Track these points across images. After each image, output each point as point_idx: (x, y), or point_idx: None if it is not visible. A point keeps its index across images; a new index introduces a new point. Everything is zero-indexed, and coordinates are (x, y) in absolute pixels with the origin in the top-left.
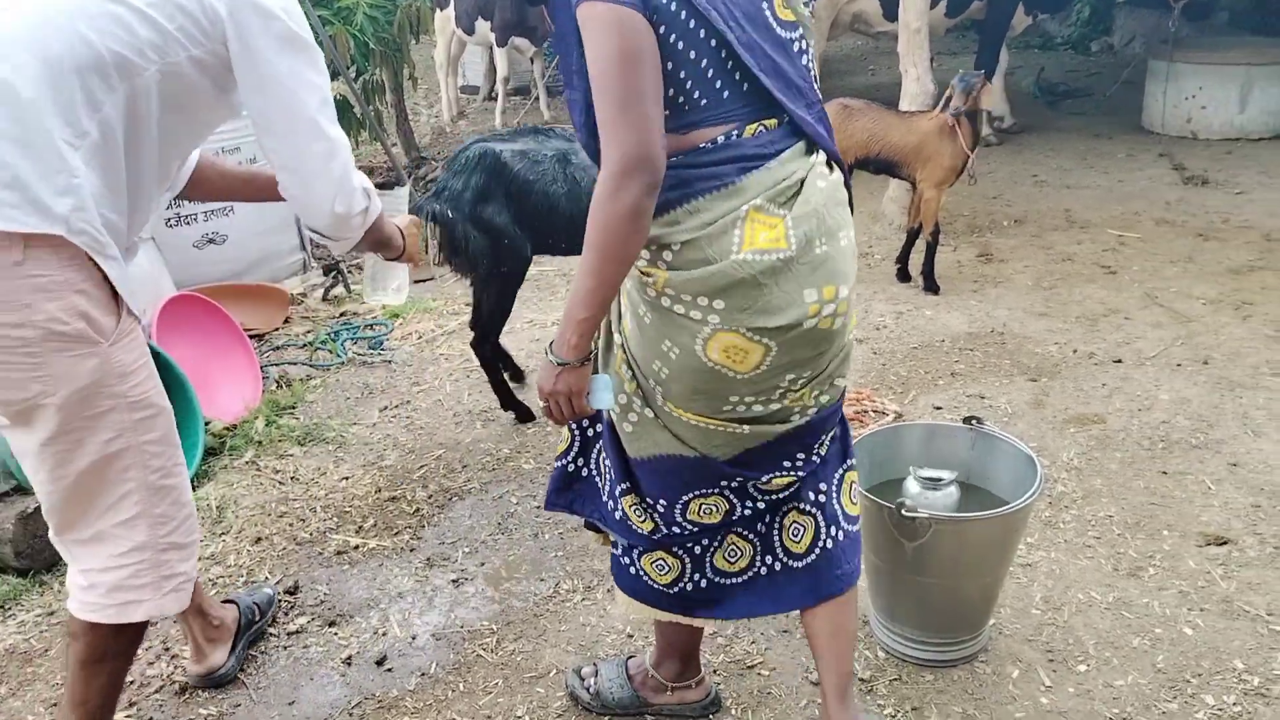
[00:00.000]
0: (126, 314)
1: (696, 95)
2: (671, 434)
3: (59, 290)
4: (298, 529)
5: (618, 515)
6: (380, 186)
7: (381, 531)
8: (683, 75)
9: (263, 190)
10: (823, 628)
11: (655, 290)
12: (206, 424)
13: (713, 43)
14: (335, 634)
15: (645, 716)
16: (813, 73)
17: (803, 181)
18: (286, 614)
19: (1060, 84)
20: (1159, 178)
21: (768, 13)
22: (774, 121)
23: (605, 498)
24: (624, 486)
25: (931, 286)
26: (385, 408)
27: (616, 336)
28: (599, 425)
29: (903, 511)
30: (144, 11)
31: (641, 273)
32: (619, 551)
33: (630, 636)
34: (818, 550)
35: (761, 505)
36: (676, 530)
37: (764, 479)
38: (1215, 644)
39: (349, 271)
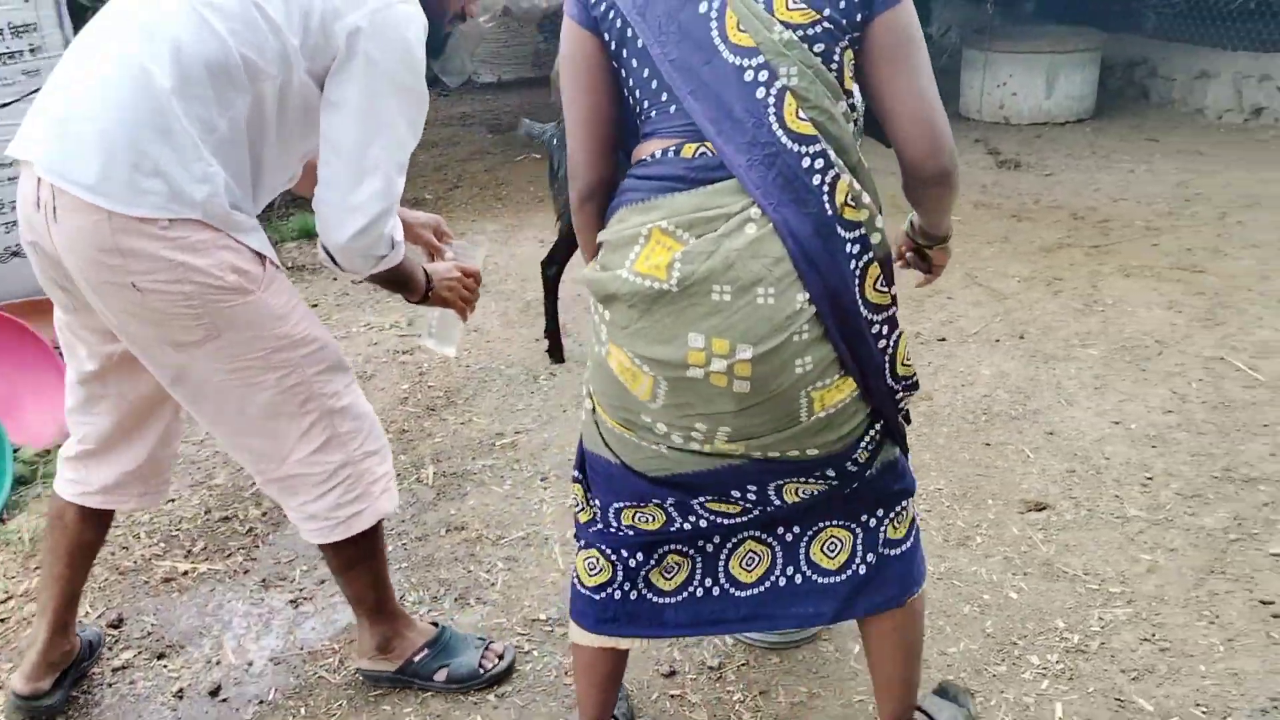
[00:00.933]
0: (270, 264)
1: (646, 106)
2: (603, 440)
3: (207, 248)
4: (120, 558)
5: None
6: None
7: (212, 555)
8: (632, 84)
9: (405, 280)
10: (869, 639)
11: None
12: (15, 450)
13: (652, 55)
14: (165, 666)
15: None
16: (775, 109)
17: (729, 218)
18: (111, 649)
19: None
20: (975, 162)
21: (715, 34)
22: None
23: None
24: (575, 474)
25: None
26: None
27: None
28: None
29: None
30: (276, 23)
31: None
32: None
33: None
34: (767, 584)
35: (704, 524)
36: (613, 530)
37: (701, 500)
38: (1039, 606)
39: None
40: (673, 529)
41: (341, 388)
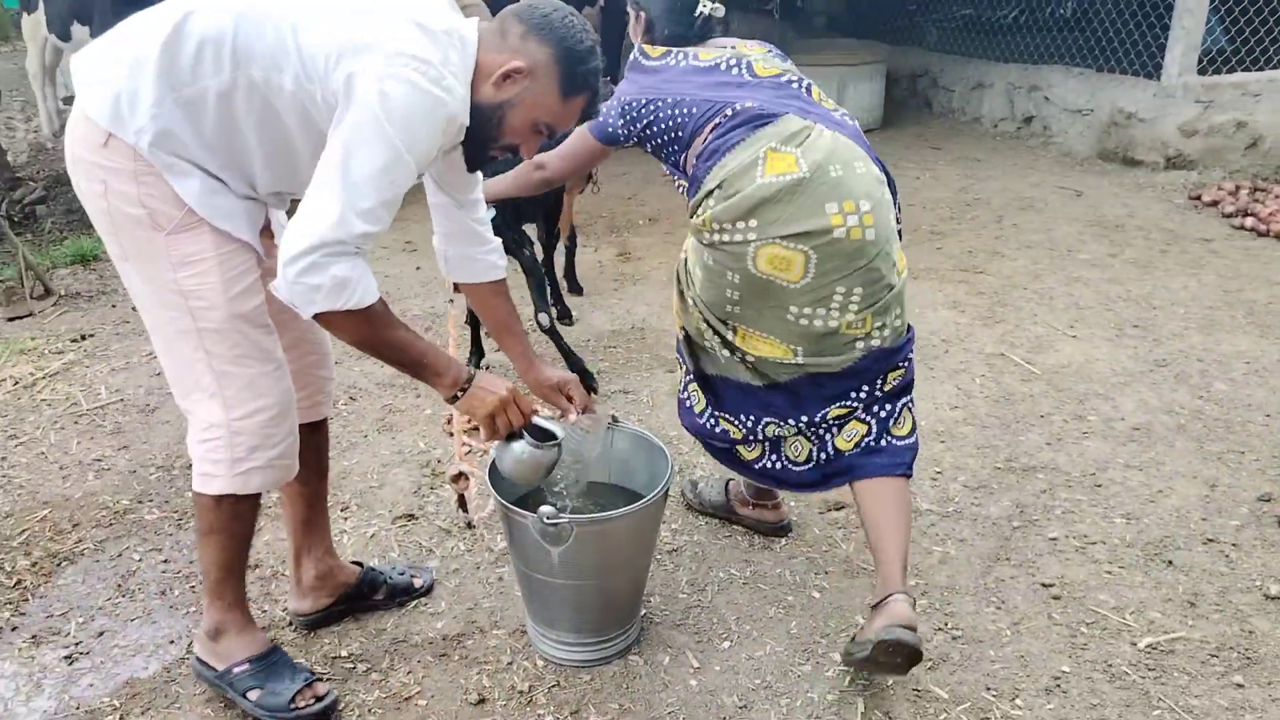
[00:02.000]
0: (194, 216)
1: (696, 124)
2: (745, 367)
3: (126, 178)
4: None
5: (718, 429)
6: None
7: None
8: (667, 131)
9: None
10: (873, 504)
11: (707, 231)
12: None
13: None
14: None
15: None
16: (804, 86)
17: (809, 131)
18: None
19: None
20: None
21: (741, 74)
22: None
23: (704, 417)
24: (714, 408)
25: (575, 288)
26: None
27: (689, 302)
28: (687, 365)
29: (545, 519)
30: (289, 41)
31: (697, 227)
32: (730, 455)
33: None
34: (863, 446)
35: (819, 421)
36: (757, 437)
37: (819, 414)
38: (840, 604)
39: None
40: (796, 430)
41: (235, 354)
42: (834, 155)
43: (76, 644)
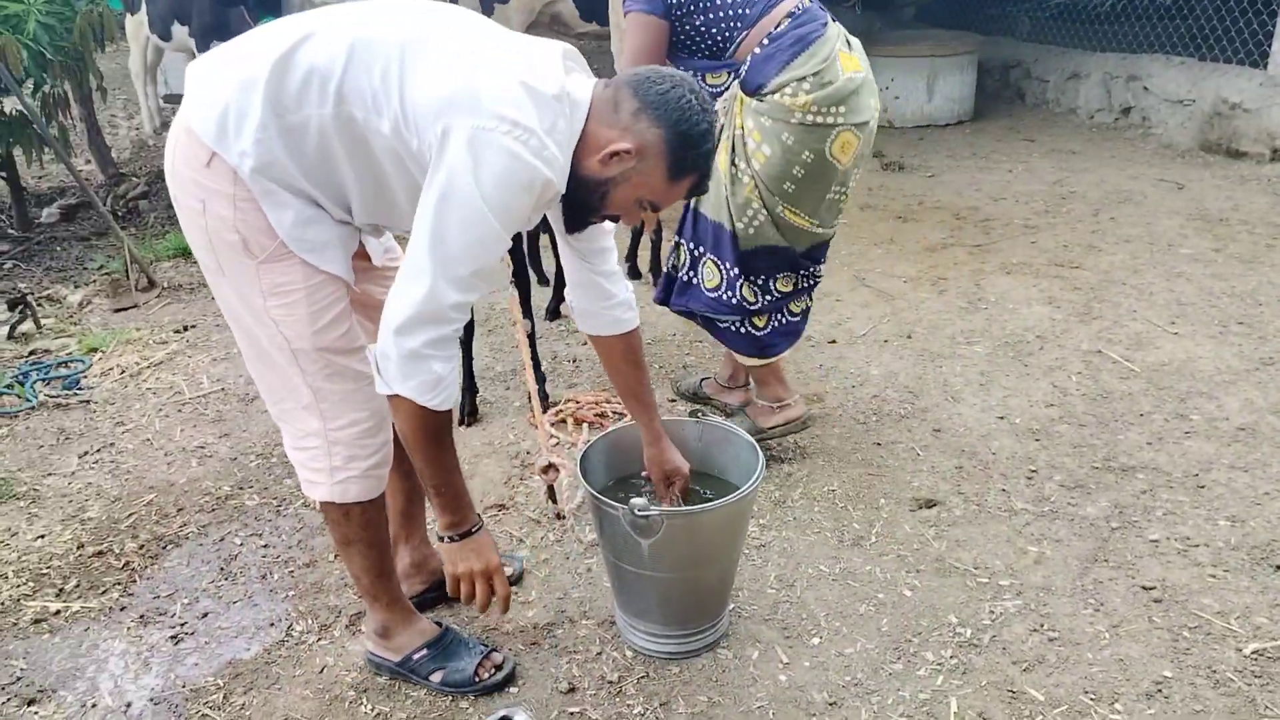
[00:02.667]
0: (281, 245)
1: (738, 10)
2: (779, 232)
3: (224, 201)
4: None
5: (734, 300)
6: (73, 208)
7: (86, 592)
8: (714, 12)
9: None
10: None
11: (800, 112)
12: None
13: None
14: (36, 713)
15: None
16: None
17: (847, 36)
18: None
19: None
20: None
21: None
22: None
23: (719, 292)
24: (741, 278)
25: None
26: (85, 453)
27: (744, 175)
28: (704, 246)
29: (636, 511)
30: (390, 84)
31: (787, 107)
32: (746, 328)
33: (363, 675)
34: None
35: (808, 282)
36: (769, 299)
37: (816, 267)
38: (932, 602)
39: (38, 305)
40: (799, 288)
41: (327, 373)
42: (864, 56)
43: (182, 624)
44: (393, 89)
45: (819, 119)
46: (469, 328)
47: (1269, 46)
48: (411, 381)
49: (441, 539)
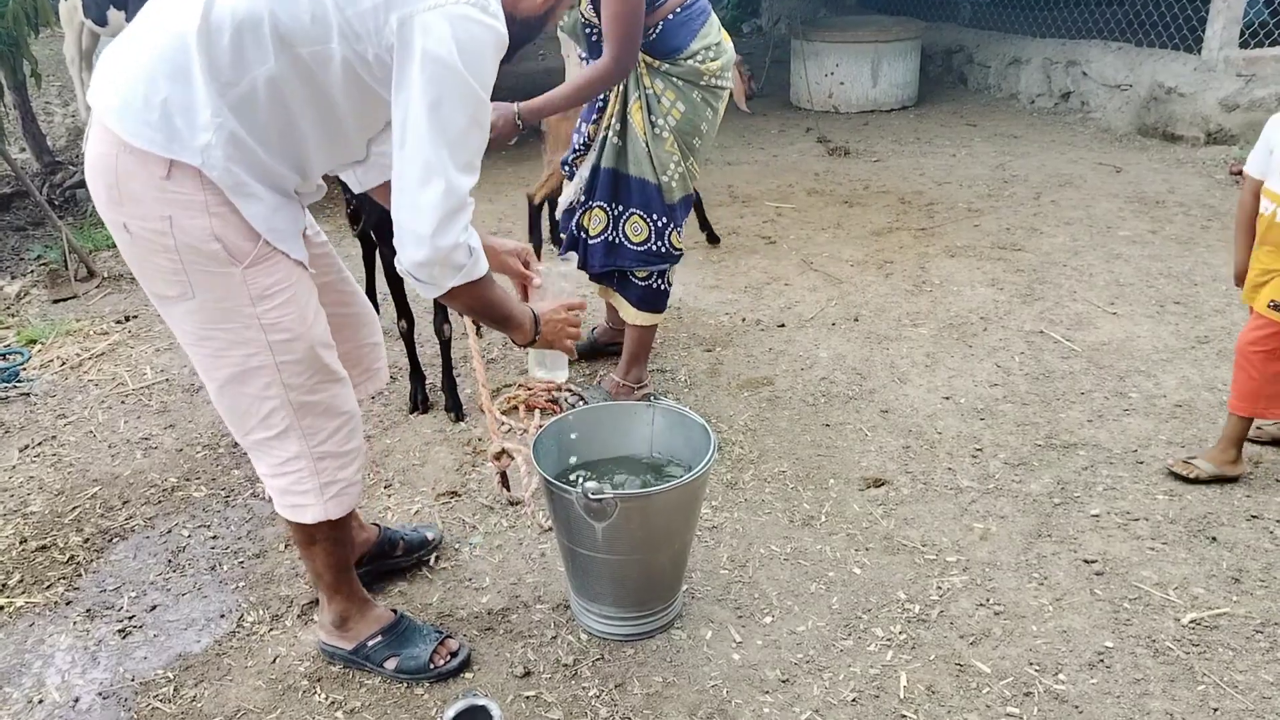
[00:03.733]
0: (265, 244)
1: None
2: (690, 183)
3: (197, 210)
4: None
5: (664, 249)
6: (8, 198)
7: (30, 587)
8: None
9: (504, 321)
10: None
11: (709, 76)
12: None
13: None
14: None
15: None
16: None
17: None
18: None
19: None
20: (808, 150)
21: None
22: None
23: (648, 244)
24: (670, 226)
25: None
26: (26, 447)
27: (663, 131)
28: (626, 204)
29: (589, 495)
30: (327, 3)
31: (700, 71)
32: (660, 284)
33: (321, 665)
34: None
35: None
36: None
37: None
38: (881, 579)
39: None
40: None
41: (313, 382)
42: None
43: (130, 618)
44: (327, 9)
45: (719, 83)
46: (410, 319)
47: (1203, 32)
48: (460, 272)
49: (533, 342)
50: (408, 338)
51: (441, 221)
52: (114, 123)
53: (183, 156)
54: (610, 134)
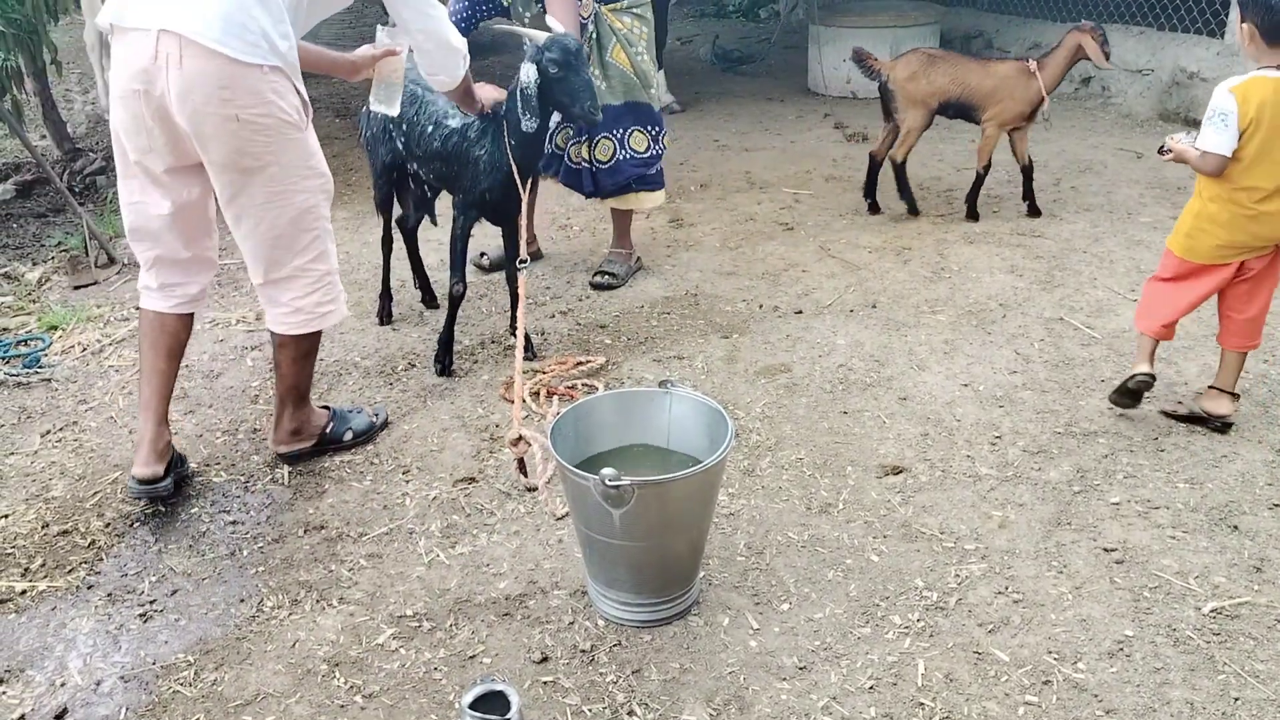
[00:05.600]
0: (307, 110)
1: None
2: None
3: (286, 93)
4: None
5: (660, 150)
6: (29, 184)
7: (52, 571)
8: None
9: (336, 66)
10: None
11: (645, 4)
12: None
13: None
14: (4, 693)
15: None
16: None
17: None
18: None
19: (734, 50)
20: (826, 137)
21: None
22: None
23: (649, 150)
24: (660, 130)
25: (973, 214)
26: (48, 432)
27: (642, 55)
28: (622, 126)
29: (607, 482)
30: None
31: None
32: (656, 170)
33: (338, 645)
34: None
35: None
36: None
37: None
38: (898, 567)
39: None
40: None
41: (329, 215)
42: None
43: (151, 602)
44: None
45: (648, 13)
46: (465, 284)
47: (1225, 15)
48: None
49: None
50: (456, 301)
51: (460, 40)
52: (224, 48)
53: (277, 61)
54: (596, 81)
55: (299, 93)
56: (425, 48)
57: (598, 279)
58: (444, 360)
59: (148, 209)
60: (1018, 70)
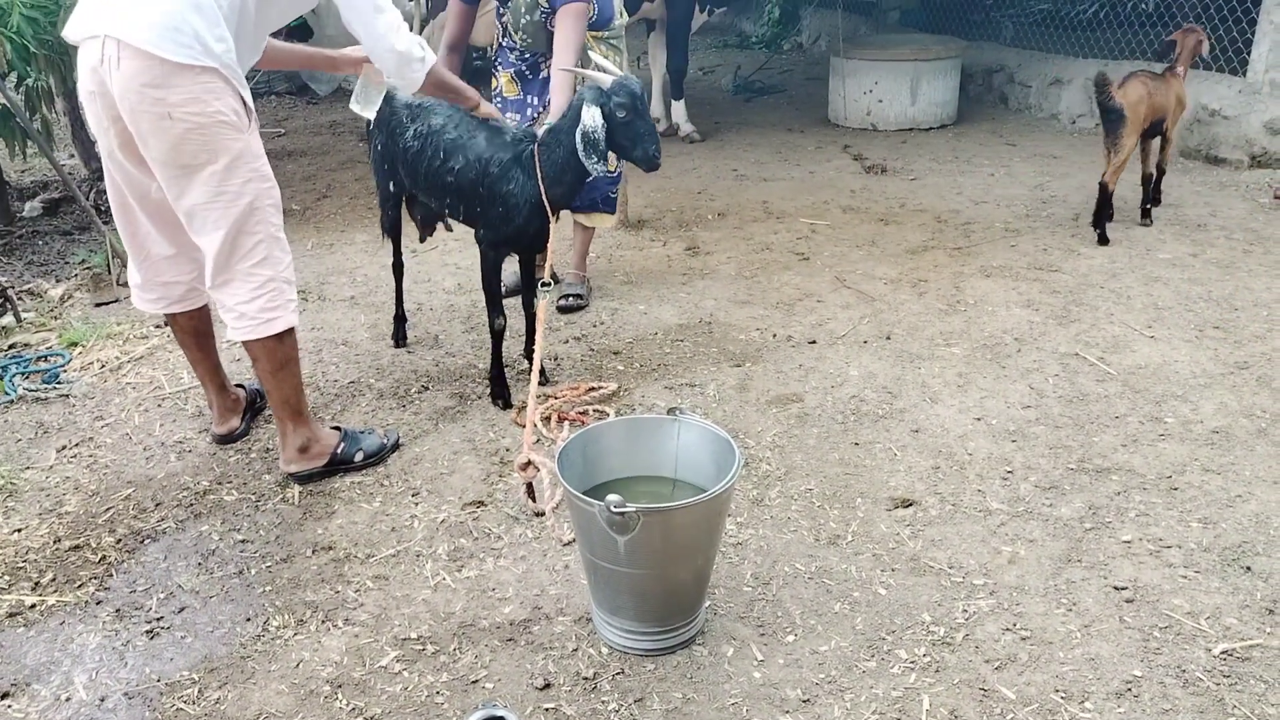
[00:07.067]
0: (249, 113)
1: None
2: None
3: (223, 94)
4: None
5: (619, 171)
6: (56, 202)
7: (62, 586)
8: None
9: (312, 60)
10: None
11: (620, 29)
12: None
13: None
14: (9, 707)
15: None
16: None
17: None
18: None
19: (756, 81)
20: (844, 168)
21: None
22: None
23: (618, 168)
24: None
25: (1154, 203)
26: (64, 447)
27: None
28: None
29: (612, 508)
30: None
31: (619, 27)
32: (616, 191)
33: (338, 666)
34: None
35: None
36: None
37: None
38: (906, 601)
39: (19, 299)
40: None
41: (280, 223)
42: None
43: (158, 619)
44: None
45: (621, 32)
46: (504, 318)
47: (1248, 54)
48: (415, 58)
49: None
50: (499, 336)
51: (407, 35)
52: (153, 47)
53: (211, 62)
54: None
55: (240, 96)
56: (375, 52)
57: (564, 302)
58: (502, 394)
59: (126, 199)
60: (1176, 79)
